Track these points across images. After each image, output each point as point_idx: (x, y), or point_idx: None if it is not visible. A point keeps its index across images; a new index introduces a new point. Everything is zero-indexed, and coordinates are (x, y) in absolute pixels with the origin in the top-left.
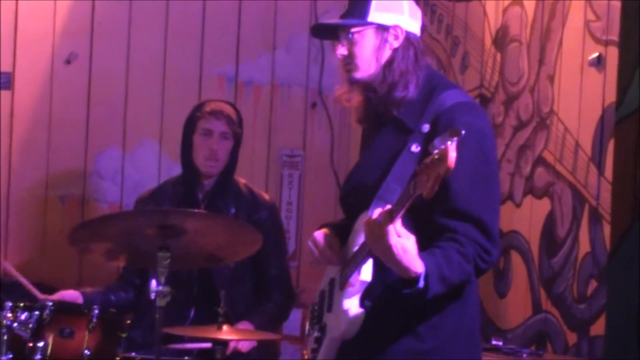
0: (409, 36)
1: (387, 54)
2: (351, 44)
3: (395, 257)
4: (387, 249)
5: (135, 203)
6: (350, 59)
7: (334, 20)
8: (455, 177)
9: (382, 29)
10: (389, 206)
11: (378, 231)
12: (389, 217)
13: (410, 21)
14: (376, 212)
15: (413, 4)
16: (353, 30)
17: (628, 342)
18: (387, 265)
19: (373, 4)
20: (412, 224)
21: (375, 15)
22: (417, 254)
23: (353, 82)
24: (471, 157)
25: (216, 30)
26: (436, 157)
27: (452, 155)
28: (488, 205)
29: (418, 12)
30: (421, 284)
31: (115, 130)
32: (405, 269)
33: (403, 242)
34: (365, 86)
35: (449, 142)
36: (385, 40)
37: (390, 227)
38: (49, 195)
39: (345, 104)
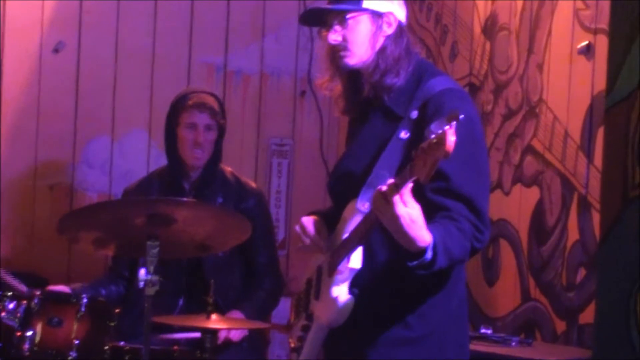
0: (400, 24)
1: (380, 41)
2: (346, 30)
3: (402, 227)
4: (394, 219)
5: (122, 195)
6: (344, 45)
7: (328, 5)
8: (446, 159)
9: (376, 15)
10: (392, 180)
11: (384, 202)
12: (395, 188)
13: (400, 9)
14: (383, 187)
15: None
16: (348, 16)
17: (617, 329)
18: (395, 238)
19: None
20: None
21: (370, 1)
22: (425, 225)
23: (345, 69)
24: (461, 141)
25: (205, 19)
26: (434, 141)
27: (451, 139)
28: (478, 187)
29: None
30: (429, 254)
31: (104, 119)
32: (412, 240)
33: (410, 212)
34: (357, 73)
35: (447, 127)
36: (380, 27)
37: (397, 197)
38: (37, 184)
39: (327, 93)
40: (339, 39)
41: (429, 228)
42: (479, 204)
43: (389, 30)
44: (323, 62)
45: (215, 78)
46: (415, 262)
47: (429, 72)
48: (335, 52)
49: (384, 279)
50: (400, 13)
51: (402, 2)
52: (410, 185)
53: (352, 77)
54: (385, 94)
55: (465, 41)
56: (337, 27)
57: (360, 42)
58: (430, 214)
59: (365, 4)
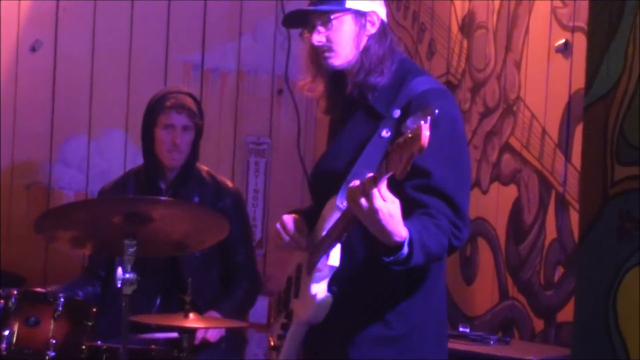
0: (383, 22)
1: (364, 40)
2: (329, 31)
3: (380, 221)
4: (373, 213)
5: (98, 194)
6: (328, 46)
7: (311, 7)
8: (427, 156)
9: (359, 15)
10: (371, 174)
11: (362, 196)
12: (373, 181)
13: (382, 8)
14: (355, 182)
15: None
16: (332, 16)
17: (597, 328)
18: (370, 232)
19: None
20: None
21: (353, 1)
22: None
23: (331, 70)
24: (444, 140)
25: (182, 17)
26: (410, 136)
27: (426, 134)
28: (459, 185)
29: None
30: (405, 250)
31: (81, 118)
32: (389, 234)
33: (389, 206)
34: (340, 73)
35: (422, 122)
36: (363, 27)
37: (375, 191)
38: (14, 183)
39: (309, 94)
40: (323, 40)
41: (405, 224)
42: (458, 201)
43: (372, 30)
44: (304, 63)
45: (192, 76)
46: (391, 258)
47: (413, 72)
48: (320, 54)
49: (364, 277)
50: (382, 11)
51: (383, 0)
52: (385, 179)
53: (335, 77)
54: (370, 93)
55: (442, 39)
56: (321, 28)
57: (344, 42)
58: (409, 210)
59: (348, 4)
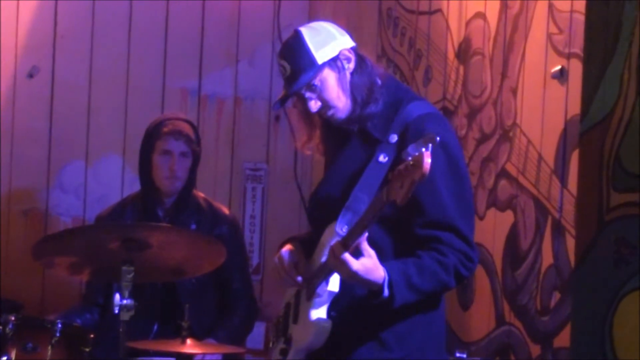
0: (355, 50)
1: (348, 78)
2: (319, 92)
3: (360, 278)
4: (352, 275)
5: (95, 221)
6: (325, 104)
7: (294, 87)
8: (429, 189)
9: (333, 61)
10: (339, 240)
11: (336, 262)
12: (343, 246)
13: (345, 38)
14: (331, 247)
15: (330, 22)
16: (315, 82)
17: (593, 354)
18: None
19: (311, 48)
20: (386, 235)
21: (320, 54)
22: (381, 264)
23: (341, 123)
24: (443, 167)
25: (179, 43)
26: (411, 163)
27: (427, 161)
28: (464, 213)
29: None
30: (386, 292)
31: (78, 144)
32: (370, 284)
33: (364, 262)
34: (346, 120)
35: (424, 149)
36: (342, 69)
37: (346, 255)
38: (11, 209)
39: (309, 152)
40: (319, 104)
41: (390, 265)
42: (465, 230)
43: (351, 65)
44: (296, 126)
45: (189, 102)
46: (377, 301)
47: (408, 97)
48: (322, 115)
49: (363, 302)
50: (347, 41)
51: (338, 28)
52: (365, 235)
53: (326, 121)
54: (369, 121)
55: (439, 66)
56: (311, 95)
57: (335, 94)
58: (419, 245)
59: (320, 60)
